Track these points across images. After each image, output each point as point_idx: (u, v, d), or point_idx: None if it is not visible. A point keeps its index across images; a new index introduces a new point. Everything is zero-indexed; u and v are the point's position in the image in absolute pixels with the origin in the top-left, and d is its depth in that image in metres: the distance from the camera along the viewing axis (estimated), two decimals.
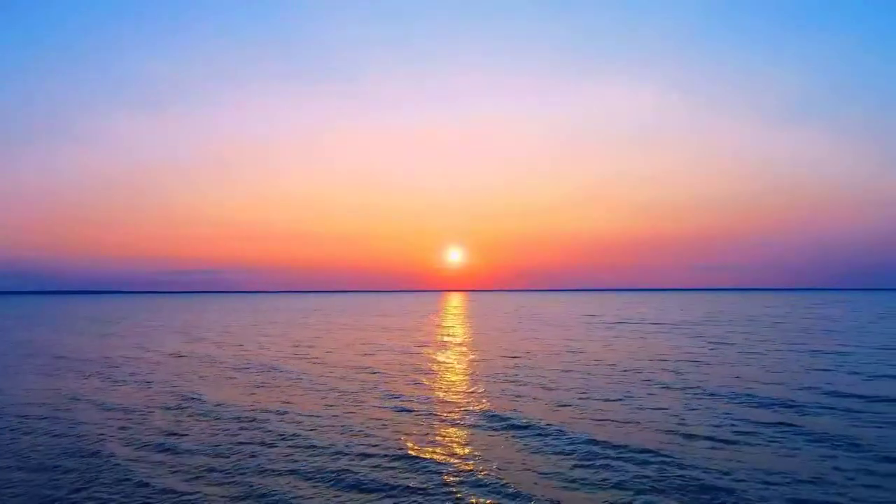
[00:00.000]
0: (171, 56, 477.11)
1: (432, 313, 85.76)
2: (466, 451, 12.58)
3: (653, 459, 11.70)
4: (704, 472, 10.94)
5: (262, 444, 13.21)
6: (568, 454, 12.16)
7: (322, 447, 12.87)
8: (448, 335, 44.72)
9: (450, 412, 16.52)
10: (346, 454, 12.32)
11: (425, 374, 24.09)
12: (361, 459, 11.95)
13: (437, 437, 13.70)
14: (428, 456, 12.15)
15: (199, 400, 18.57)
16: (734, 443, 12.98)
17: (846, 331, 44.87)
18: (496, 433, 14.09)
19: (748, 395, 18.46)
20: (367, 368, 25.50)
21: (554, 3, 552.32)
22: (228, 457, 12.23)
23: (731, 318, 65.47)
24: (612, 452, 12.23)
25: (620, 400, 17.94)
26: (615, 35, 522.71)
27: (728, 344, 35.01)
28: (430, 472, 11.14)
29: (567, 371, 24.14)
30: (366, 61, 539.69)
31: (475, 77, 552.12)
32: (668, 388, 19.99)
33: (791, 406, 16.73)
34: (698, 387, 20.00)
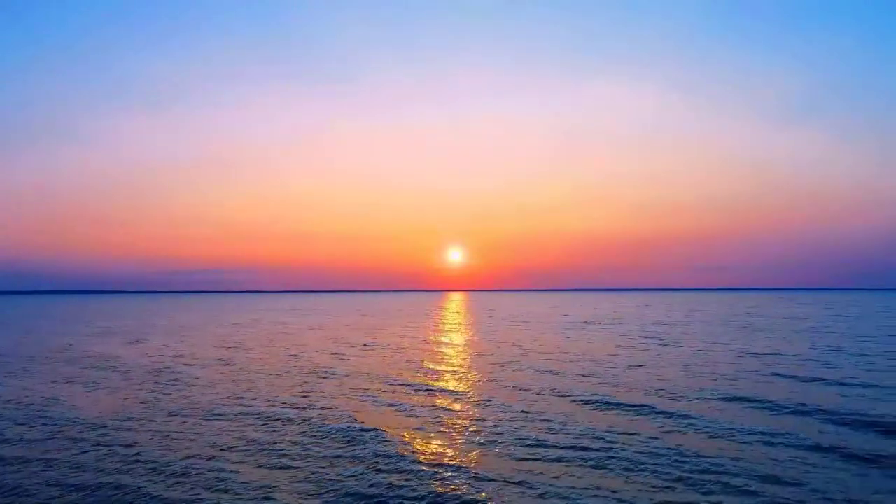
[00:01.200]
0: (173, 56, 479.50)
1: (411, 312, 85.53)
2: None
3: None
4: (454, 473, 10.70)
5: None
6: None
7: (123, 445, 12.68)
8: (388, 334, 44.57)
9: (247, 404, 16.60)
10: (145, 448, 12.11)
11: (296, 373, 24.23)
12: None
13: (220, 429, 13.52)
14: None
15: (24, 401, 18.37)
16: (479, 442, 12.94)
17: (804, 331, 44.44)
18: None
19: (585, 397, 18.23)
20: (246, 369, 25.54)
21: (554, 4, 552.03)
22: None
23: (704, 319, 65.02)
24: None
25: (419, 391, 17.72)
26: (615, 35, 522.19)
27: (663, 344, 34.81)
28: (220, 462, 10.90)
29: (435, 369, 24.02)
30: (366, 62, 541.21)
31: (476, 77, 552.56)
32: (503, 386, 20.18)
33: (613, 409, 16.38)
34: (529, 387, 19.95)
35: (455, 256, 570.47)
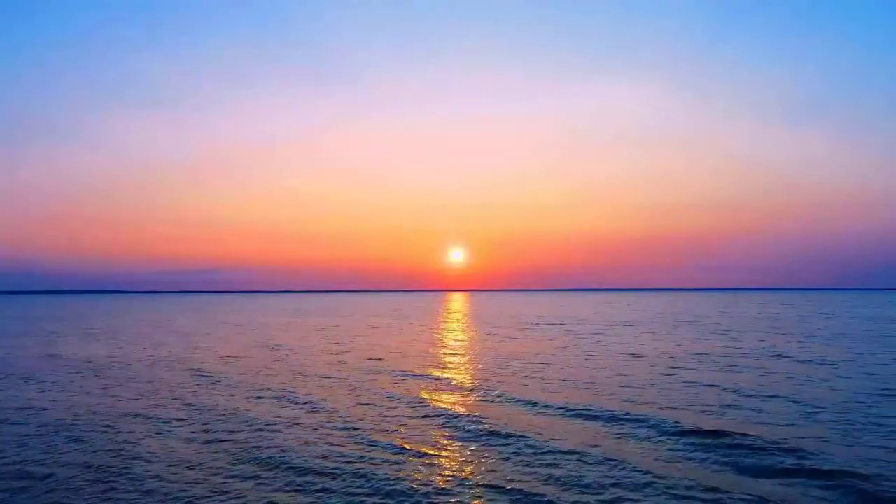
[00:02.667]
0: (175, 56, 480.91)
1: (392, 311, 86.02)
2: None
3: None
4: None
5: None
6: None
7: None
8: (342, 333, 45.08)
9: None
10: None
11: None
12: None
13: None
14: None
15: None
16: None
17: (762, 331, 44.76)
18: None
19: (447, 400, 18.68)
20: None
21: (555, 4, 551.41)
22: None
23: (674, 319, 65.26)
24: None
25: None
26: (616, 36, 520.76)
27: (599, 345, 35.16)
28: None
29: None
30: (368, 62, 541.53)
31: (477, 78, 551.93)
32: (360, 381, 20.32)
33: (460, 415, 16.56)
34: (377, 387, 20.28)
35: (457, 256, 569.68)
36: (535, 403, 17.08)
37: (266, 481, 10.47)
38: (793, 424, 14.38)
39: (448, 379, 22.12)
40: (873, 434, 13.45)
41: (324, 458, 11.85)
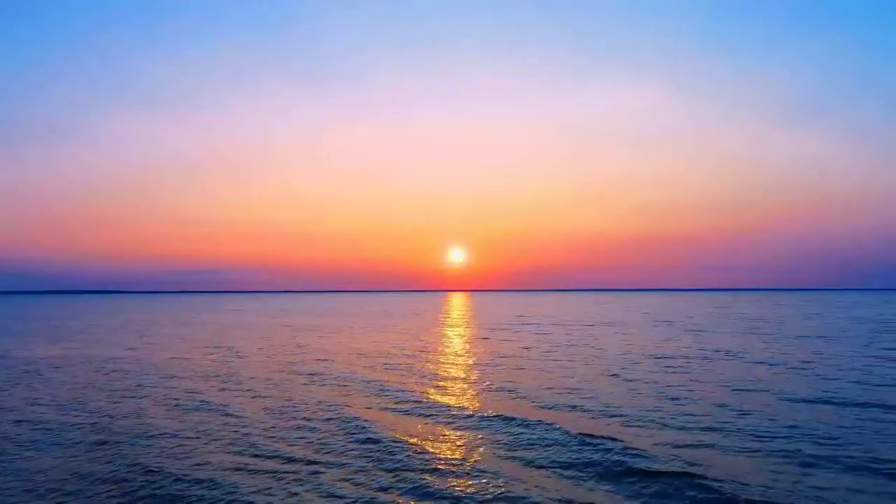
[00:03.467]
0: (175, 56, 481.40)
1: (381, 312, 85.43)
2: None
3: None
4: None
5: None
6: None
7: None
8: (313, 334, 44.44)
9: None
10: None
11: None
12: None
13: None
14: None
15: None
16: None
17: (735, 332, 44.04)
18: None
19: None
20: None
21: (555, 5, 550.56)
22: None
23: (656, 319, 64.60)
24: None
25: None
26: (616, 36, 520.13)
27: (560, 345, 34.47)
28: None
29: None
30: (368, 62, 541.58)
31: (477, 78, 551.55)
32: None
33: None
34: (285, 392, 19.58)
35: (457, 256, 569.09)
36: (431, 406, 16.45)
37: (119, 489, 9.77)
38: (651, 428, 13.68)
39: (369, 381, 21.32)
40: (716, 436, 12.84)
41: (200, 466, 11.21)
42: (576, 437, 12.77)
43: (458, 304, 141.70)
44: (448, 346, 34.31)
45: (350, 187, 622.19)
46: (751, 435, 13.04)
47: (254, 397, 18.42)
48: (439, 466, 10.98)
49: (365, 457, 11.69)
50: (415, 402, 17.30)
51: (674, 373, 22.80)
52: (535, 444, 12.38)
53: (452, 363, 26.45)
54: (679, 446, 12.21)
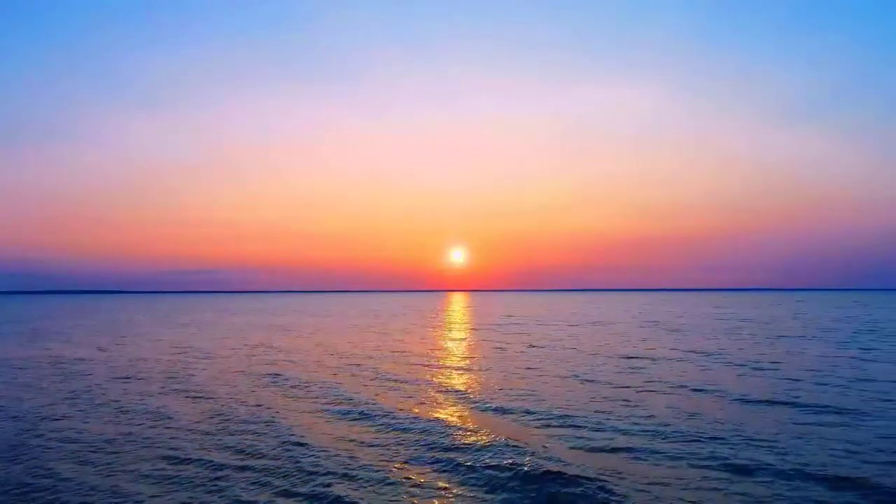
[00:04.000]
0: (175, 56, 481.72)
1: (367, 311, 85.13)
2: None
3: None
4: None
5: None
6: None
7: None
8: (285, 334, 44.13)
9: None
10: None
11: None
12: None
13: None
14: None
15: None
16: None
17: (714, 332, 43.67)
18: None
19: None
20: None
21: (556, 5, 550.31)
22: None
23: (646, 319, 64.26)
24: None
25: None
26: (616, 35, 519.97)
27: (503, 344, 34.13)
28: None
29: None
30: (368, 63, 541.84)
31: (478, 78, 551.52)
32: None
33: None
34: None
35: (458, 256, 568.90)
36: (368, 408, 16.10)
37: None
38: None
39: (320, 383, 20.91)
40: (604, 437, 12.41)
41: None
42: (498, 442, 12.40)
43: (452, 304, 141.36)
44: (421, 347, 33.86)
45: (351, 187, 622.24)
46: (682, 439, 12.64)
47: (196, 399, 18.04)
48: (346, 472, 10.62)
49: (281, 459, 11.36)
50: (355, 404, 16.91)
51: (635, 374, 22.42)
52: (453, 449, 12.03)
53: (413, 364, 25.92)
54: (602, 450, 11.85)
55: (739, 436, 12.83)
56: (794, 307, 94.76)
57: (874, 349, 30.37)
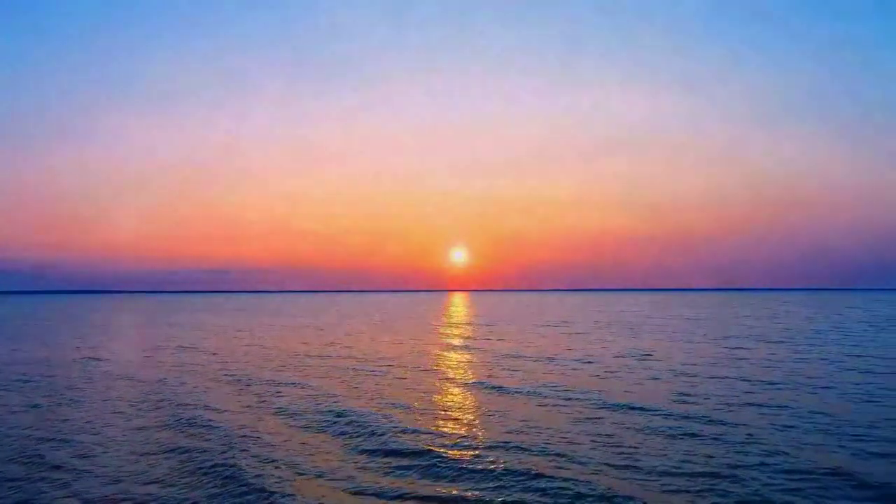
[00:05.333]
0: (175, 56, 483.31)
1: (356, 311, 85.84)
2: None
3: None
4: None
5: None
6: None
7: None
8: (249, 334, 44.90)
9: None
10: None
11: None
12: None
13: None
14: None
15: None
16: None
17: (670, 333, 44.28)
18: None
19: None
20: None
21: (556, 5, 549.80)
22: None
23: (619, 320, 64.86)
24: None
25: None
26: (617, 35, 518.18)
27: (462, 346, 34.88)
28: None
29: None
30: (369, 62, 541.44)
31: (478, 77, 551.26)
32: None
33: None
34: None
35: (459, 256, 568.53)
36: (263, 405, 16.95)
37: None
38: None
39: (241, 380, 21.73)
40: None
41: None
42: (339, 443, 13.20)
43: (442, 304, 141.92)
44: (367, 347, 34.20)
45: (351, 186, 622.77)
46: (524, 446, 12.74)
47: (104, 400, 18.66)
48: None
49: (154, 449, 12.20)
50: (267, 398, 18.16)
51: (547, 375, 23.07)
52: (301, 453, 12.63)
53: (341, 367, 26.21)
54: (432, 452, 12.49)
55: (586, 442, 13.21)
56: (780, 308, 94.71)
57: (744, 348, 32.40)
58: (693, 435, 13.60)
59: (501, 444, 12.95)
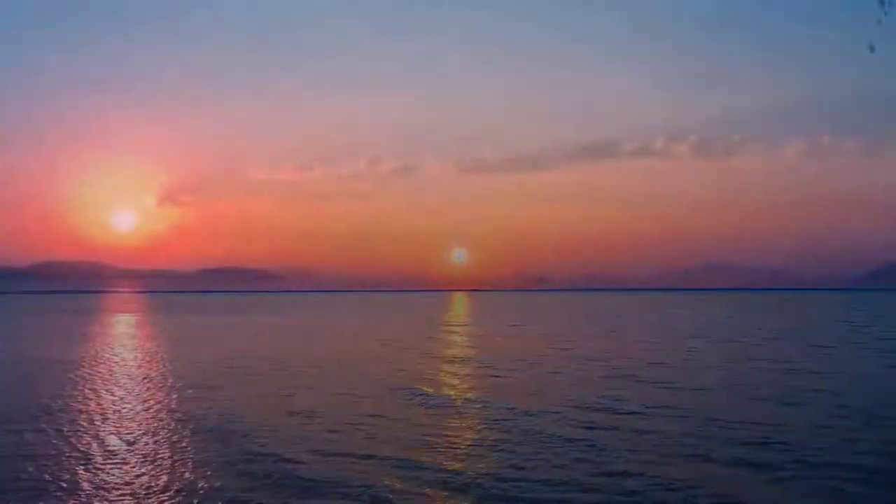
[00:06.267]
0: (175, 56, 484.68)
1: (343, 311, 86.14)
2: None
3: None
4: None
5: None
6: None
7: None
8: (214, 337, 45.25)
9: None
10: None
11: None
12: None
13: None
14: None
15: None
16: None
17: (642, 332, 44.69)
18: None
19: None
20: None
21: (556, 4, 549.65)
22: None
23: (601, 322, 65.29)
24: None
25: None
26: (616, 35, 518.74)
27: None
28: None
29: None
30: (369, 59, 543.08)
31: (479, 76, 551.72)
32: None
33: None
34: None
35: (459, 256, 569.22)
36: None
37: None
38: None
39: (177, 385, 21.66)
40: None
41: None
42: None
43: (432, 304, 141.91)
44: (322, 350, 34.52)
45: (351, 186, 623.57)
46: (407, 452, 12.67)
47: (38, 402, 19.11)
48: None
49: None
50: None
51: (476, 378, 23.56)
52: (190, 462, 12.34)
53: (281, 370, 26.03)
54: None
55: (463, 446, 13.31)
56: (760, 307, 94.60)
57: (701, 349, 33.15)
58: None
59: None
